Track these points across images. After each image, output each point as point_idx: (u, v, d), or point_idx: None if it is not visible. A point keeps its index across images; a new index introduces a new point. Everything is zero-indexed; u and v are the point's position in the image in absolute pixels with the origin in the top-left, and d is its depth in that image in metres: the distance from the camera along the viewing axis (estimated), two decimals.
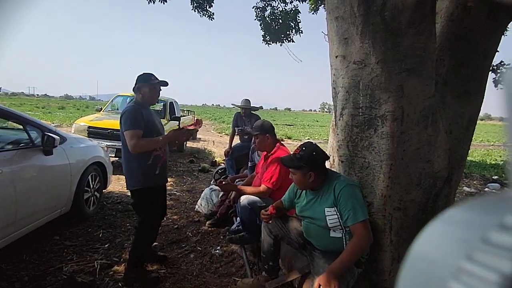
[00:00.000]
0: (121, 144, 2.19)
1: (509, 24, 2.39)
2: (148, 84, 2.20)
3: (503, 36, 2.18)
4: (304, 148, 1.82)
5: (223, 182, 2.78)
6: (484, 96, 2.15)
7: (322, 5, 6.92)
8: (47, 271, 2.32)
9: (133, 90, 2.25)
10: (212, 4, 6.70)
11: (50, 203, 2.66)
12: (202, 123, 2.46)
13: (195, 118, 2.41)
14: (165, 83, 2.29)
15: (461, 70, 1.99)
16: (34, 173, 2.45)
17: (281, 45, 6.91)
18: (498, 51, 2.21)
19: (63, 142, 2.83)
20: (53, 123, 13.37)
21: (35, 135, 2.56)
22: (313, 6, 7.30)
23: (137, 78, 2.22)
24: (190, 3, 6.61)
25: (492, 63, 2.32)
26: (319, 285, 1.48)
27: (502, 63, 3.55)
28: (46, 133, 2.50)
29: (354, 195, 1.69)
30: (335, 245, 1.75)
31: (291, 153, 1.90)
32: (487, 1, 1.91)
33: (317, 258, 1.79)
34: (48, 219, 2.65)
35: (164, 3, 6.46)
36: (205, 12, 6.77)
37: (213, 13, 6.88)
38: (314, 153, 1.80)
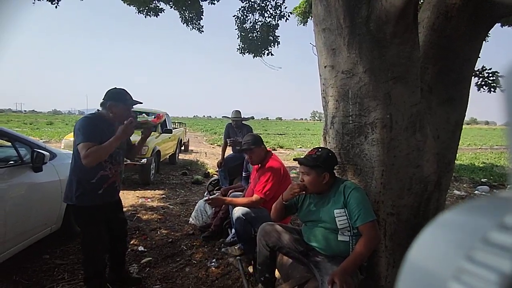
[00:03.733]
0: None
1: (489, 31, 2.48)
2: (123, 105, 2.05)
3: (484, 42, 2.27)
4: (320, 150, 1.87)
5: (210, 197, 2.76)
6: (468, 101, 2.22)
7: (310, 17, 7.08)
8: None
9: (101, 105, 2.06)
10: (201, 17, 6.79)
11: (40, 221, 2.60)
12: (163, 117, 2.27)
13: (157, 114, 2.27)
14: (139, 103, 2.16)
15: (445, 77, 2.06)
16: (23, 191, 2.40)
17: (254, 57, 6.94)
18: (479, 57, 2.30)
19: (53, 158, 2.79)
20: (42, 139, 13.15)
21: (24, 152, 2.52)
22: (301, 19, 7.46)
23: (109, 94, 2.04)
24: (179, 18, 6.68)
25: (474, 69, 2.40)
26: (333, 281, 1.48)
27: (484, 68, 3.69)
28: (35, 149, 2.46)
29: (363, 197, 1.74)
30: (341, 249, 1.76)
31: (307, 154, 1.89)
32: (467, 11, 2.00)
33: (323, 262, 1.79)
34: (38, 237, 2.58)
35: (156, 17, 6.54)
36: (194, 26, 6.85)
37: (202, 26, 6.96)
38: (330, 154, 1.86)
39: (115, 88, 2.09)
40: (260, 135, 3.09)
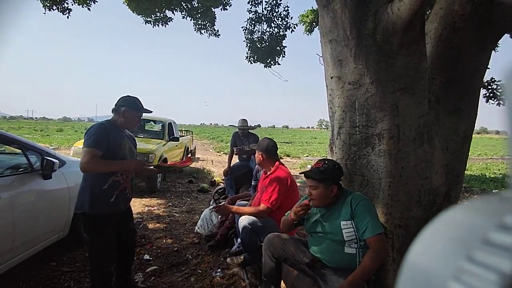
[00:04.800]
0: None
1: (498, 42, 2.47)
2: (136, 112, 2.15)
3: (493, 52, 2.25)
4: (326, 162, 1.84)
5: (217, 205, 2.77)
6: (478, 112, 2.19)
7: (317, 27, 7.14)
8: None
9: (112, 111, 2.13)
10: (215, 22, 6.91)
11: (48, 228, 2.62)
12: (191, 162, 2.31)
13: (187, 157, 2.29)
14: (149, 111, 2.26)
15: (453, 88, 2.05)
16: (32, 198, 2.43)
17: (265, 67, 7.00)
18: (488, 68, 2.28)
19: (62, 166, 2.83)
20: (51, 146, 13.36)
21: (34, 160, 2.56)
22: (308, 28, 7.53)
23: (122, 101, 2.12)
24: (193, 26, 6.80)
25: (484, 80, 2.37)
26: None
27: (493, 80, 3.64)
28: (45, 157, 2.50)
29: (371, 209, 1.72)
30: (348, 261, 1.73)
31: (312, 166, 1.86)
32: (474, 22, 1.99)
33: (329, 275, 1.76)
34: (45, 244, 2.60)
35: (165, 26, 6.66)
36: (210, 32, 6.99)
37: (218, 30, 7.09)
38: (336, 166, 1.84)
39: (129, 95, 2.18)
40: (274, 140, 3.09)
